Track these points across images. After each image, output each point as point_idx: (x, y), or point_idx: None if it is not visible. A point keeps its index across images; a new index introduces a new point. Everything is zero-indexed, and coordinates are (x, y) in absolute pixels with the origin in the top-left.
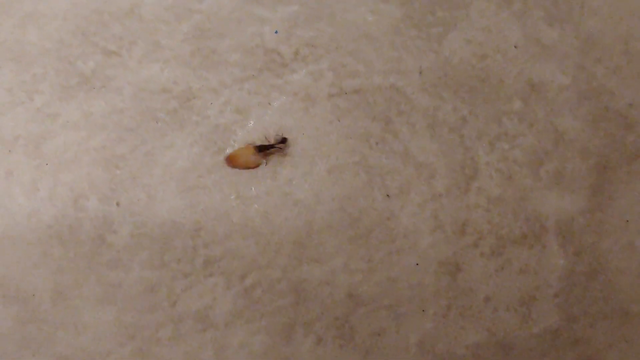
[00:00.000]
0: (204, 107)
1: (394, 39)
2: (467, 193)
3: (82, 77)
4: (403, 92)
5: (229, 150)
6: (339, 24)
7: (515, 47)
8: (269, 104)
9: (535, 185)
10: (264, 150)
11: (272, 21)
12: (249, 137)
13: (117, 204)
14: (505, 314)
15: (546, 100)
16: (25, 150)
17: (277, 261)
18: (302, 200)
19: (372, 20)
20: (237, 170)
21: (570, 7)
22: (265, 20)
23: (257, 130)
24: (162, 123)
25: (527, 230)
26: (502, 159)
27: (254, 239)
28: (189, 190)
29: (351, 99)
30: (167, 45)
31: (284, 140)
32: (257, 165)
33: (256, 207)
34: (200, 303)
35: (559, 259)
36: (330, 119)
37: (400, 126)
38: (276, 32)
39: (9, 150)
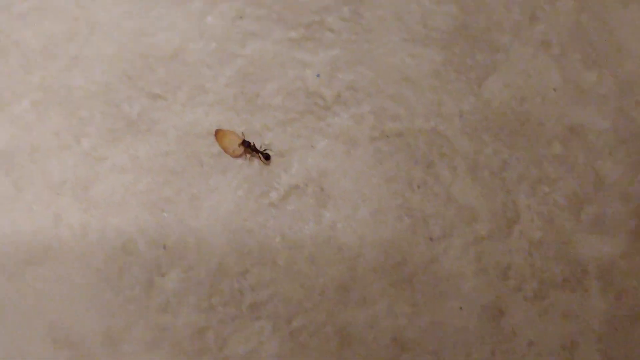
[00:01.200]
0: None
1: (434, 83)
2: (509, 236)
3: (128, 120)
4: (444, 135)
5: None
6: (380, 67)
7: (554, 90)
8: (312, 146)
9: (576, 228)
10: (247, 147)
11: (314, 65)
12: (292, 181)
13: (164, 247)
14: (548, 359)
15: (586, 143)
16: (73, 194)
17: (322, 305)
18: (345, 244)
19: (412, 64)
20: (230, 158)
21: (608, 50)
22: (307, 64)
23: (300, 174)
24: (207, 167)
25: (568, 274)
26: (543, 203)
27: (299, 282)
28: (234, 233)
29: (392, 142)
30: (211, 89)
31: (267, 157)
32: (236, 156)
33: (301, 250)
34: (247, 346)
35: (601, 303)
36: (372, 162)
37: (442, 169)
38: (318, 75)
39: (57, 193)
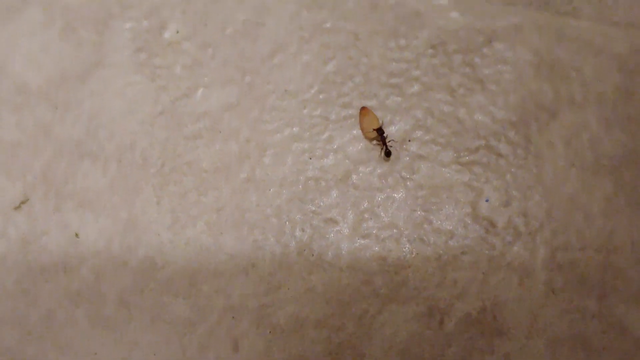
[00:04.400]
0: (419, 277)
1: (605, 211)
2: None
3: (299, 243)
4: (616, 266)
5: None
6: (550, 194)
7: None
8: (483, 273)
9: None
10: (379, 135)
11: (483, 190)
12: (465, 308)
13: None
14: None
15: None
16: (250, 319)
17: None
18: None
19: (583, 192)
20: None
21: None
22: (476, 189)
23: (473, 302)
24: (382, 297)
25: None
26: None
27: None
28: None
29: (565, 272)
30: (381, 213)
31: (388, 154)
32: (368, 137)
33: None
34: None
35: None
36: (545, 292)
37: (616, 301)
38: (487, 200)
39: (232, 317)
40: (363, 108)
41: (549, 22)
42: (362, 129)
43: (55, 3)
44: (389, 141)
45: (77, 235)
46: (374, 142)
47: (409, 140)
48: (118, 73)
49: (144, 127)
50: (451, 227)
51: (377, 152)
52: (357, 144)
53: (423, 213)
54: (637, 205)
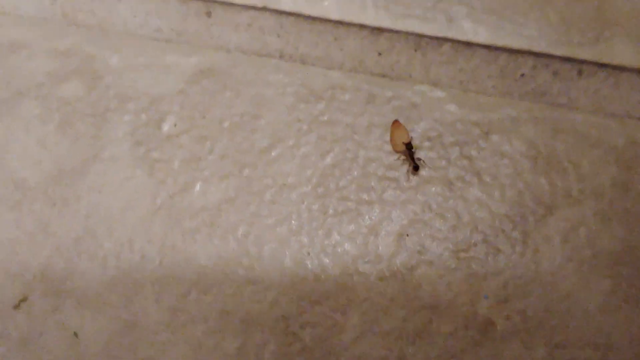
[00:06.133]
0: None
1: (604, 308)
2: None
3: (302, 345)
4: None
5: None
6: (548, 291)
7: None
8: None
9: None
10: (407, 149)
11: (482, 286)
12: None
13: None
14: None
15: None
16: None
17: None
18: None
19: (580, 289)
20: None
21: None
22: (475, 285)
23: None
24: None
25: None
26: None
27: None
28: None
29: None
30: (380, 318)
31: (416, 167)
32: (396, 150)
33: None
34: None
35: None
36: None
37: None
38: (486, 296)
39: None
40: (395, 121)
41: (545, 114)
42: (391, 142)
43: (51, 96)
44: (418, 158)
45: (76, 334)
46: (402, 157)
47: (407, 235)
48: (116, 167)
49: (143, 224)
50: (452, 329)
51: (380, 251)
52: (357, 240)
53: (422, 318)
54: (635, 302)
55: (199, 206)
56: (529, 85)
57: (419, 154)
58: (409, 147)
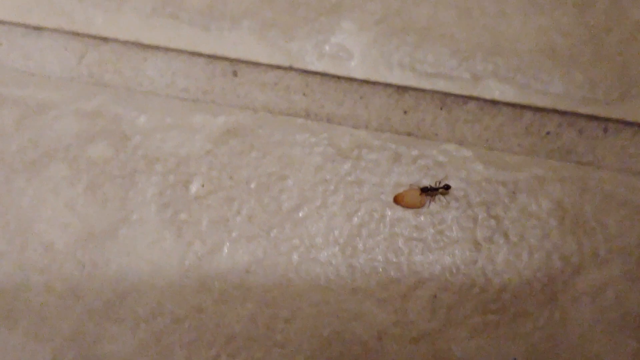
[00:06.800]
0: None
1: None
2: None
3: None
4: None
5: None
6: (578, 353)
7: None
8: None
9: None
10: (427, 192)
11: (511, 350)
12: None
13: None
14: None
15: None
16: None
17: None
18: None
19: (610, 350)
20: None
21: None
22: (504, 350)
23: None
24: None
25: None
26: None
27: None
28: None
29: None
30: None
31: (447, 187)
32: (421, 205)
33: None
34: None
35: None
36: None
37: None
38: (514, 359)
39: None
40: (396, 196)
41: (571, 172)
42: (410, 206)
43: (80, 158)
44: (436, 183)
45: None
46: (429, 200)
47: (435, 296)
48: (144, 230)
49: (172, 287)
50: None
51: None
52: (385, 307)
53: None
54: None
55: (227, 268)
56: (554, 143)
57: (447, 214)
58: (425, 190)
